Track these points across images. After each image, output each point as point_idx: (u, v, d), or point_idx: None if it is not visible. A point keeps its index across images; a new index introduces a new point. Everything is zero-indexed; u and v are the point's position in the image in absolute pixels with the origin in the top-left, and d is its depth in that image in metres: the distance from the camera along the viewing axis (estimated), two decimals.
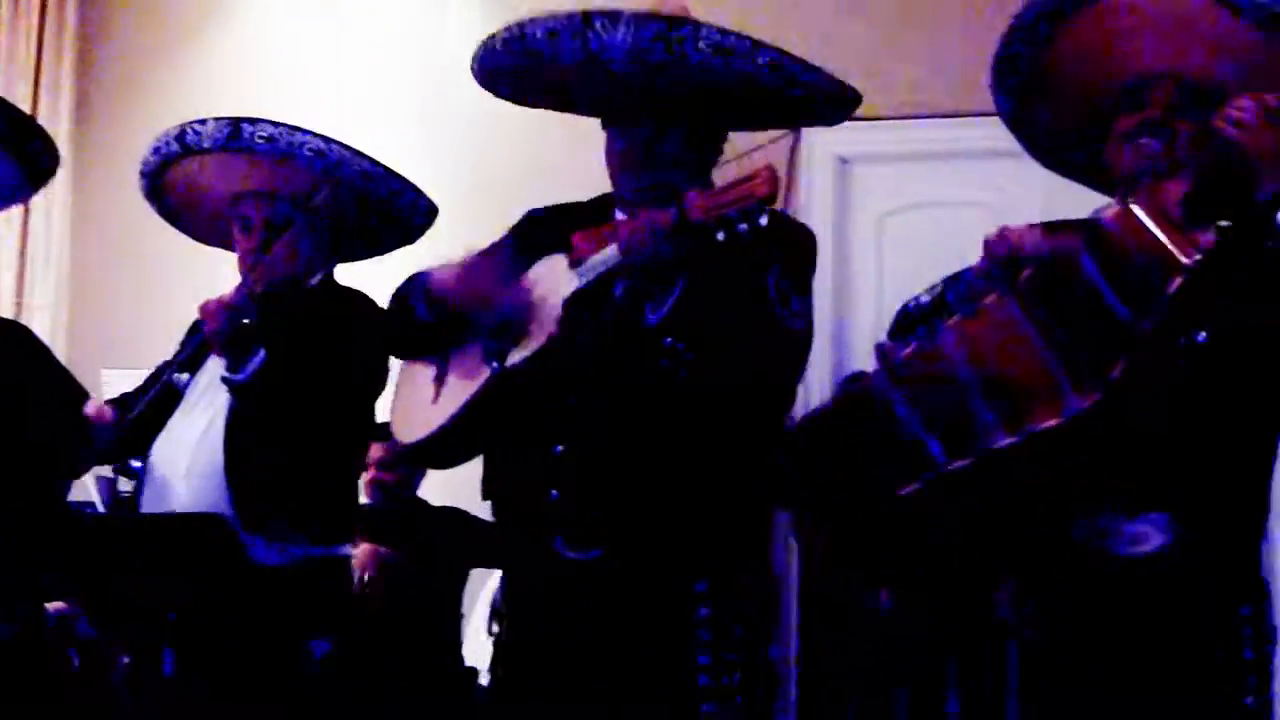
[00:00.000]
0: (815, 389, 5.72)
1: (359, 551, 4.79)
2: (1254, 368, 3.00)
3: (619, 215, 3.34)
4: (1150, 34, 3.11)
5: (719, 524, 3.26)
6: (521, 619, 3.34)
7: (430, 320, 3.34)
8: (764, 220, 2.92)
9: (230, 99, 5.99)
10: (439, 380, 3.35)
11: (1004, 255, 2.93)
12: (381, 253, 4.24)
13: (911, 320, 3.20)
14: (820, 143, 5.85)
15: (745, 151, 5.60)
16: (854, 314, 5.89)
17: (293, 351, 3.75)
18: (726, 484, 3.26)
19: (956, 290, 3.11)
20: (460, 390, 3.28)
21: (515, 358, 3.18)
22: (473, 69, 3.50)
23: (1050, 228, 3.12)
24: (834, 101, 3.50)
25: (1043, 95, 3.31)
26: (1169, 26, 3.09)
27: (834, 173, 5.87)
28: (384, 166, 3.97)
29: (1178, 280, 2.69)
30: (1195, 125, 3.02)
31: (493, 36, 3.39)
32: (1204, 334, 2.92)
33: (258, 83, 6.53)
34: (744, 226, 2.92)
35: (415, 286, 3.37)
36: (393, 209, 4.06)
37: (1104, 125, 3.17)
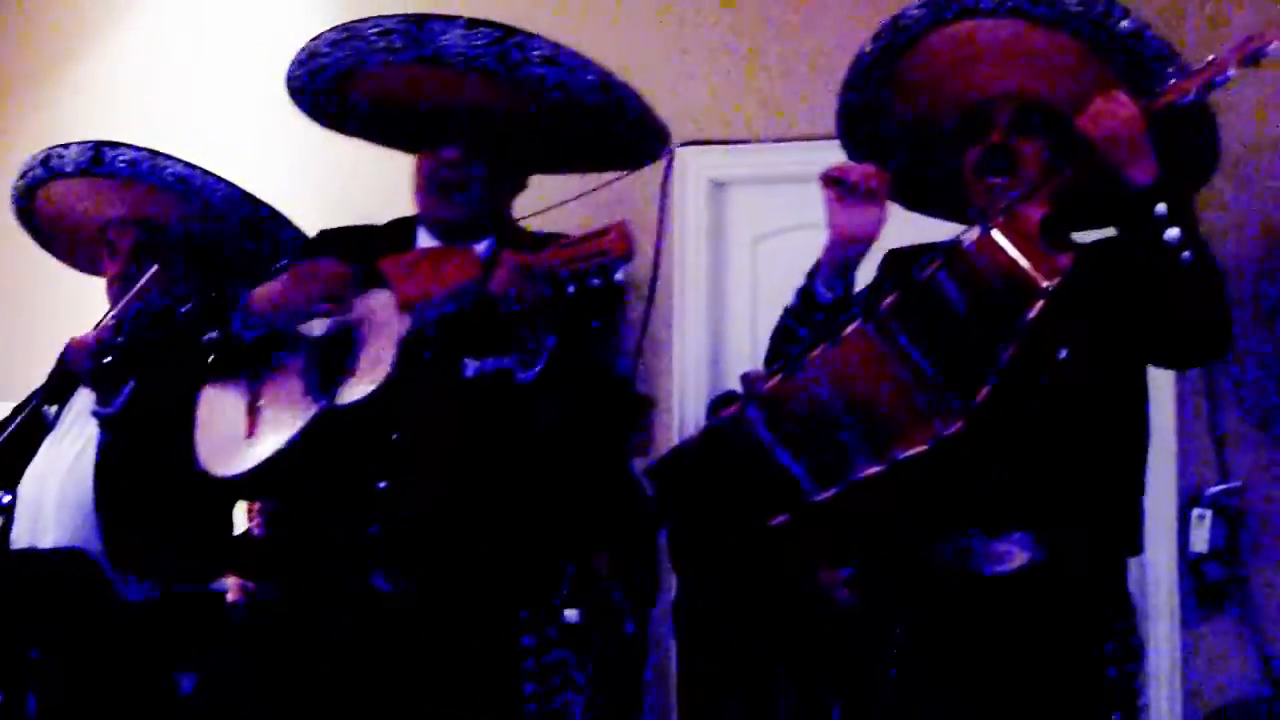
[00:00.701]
0: (690, 412, 5.72)
1: (233, 584, 4.70)
2: (1115, 384, 3.03)
3: (423, 240, 3.35)
4: (981, 63, 3.16)
5: (541, 554, 3.30)
6: (336, 655, 3.26)
7: (247, 341, 3.30)
8: (618, 276, 2.93)
9: (112, 119, 5.93)
10: (252, 410, 3.29)
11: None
12: (254, 279, 4.18)
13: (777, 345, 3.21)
14: (694, 166, 5.85)
15: (618, 176, 5.63)
16: (728, 337, 5.88)
17: (162, 382, 3.68)
18: (550, 516, 3.32)
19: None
20: (281, 423, 3.23)
21: (346, 395, 3.14)
22: (291, 73, 3.47)
23: (916, 251, 3.14)
24: (648, 136, 3.49)
25: (886, 140, 3.35)
26: (998, 53, 3.14)
27: (708, 196, 5.87)
28: (248, 193, 3.92)
29: (1038, 305, 2.71)
30: (1038, 144, 3.08)
31: (319, 36, 3.37)
32: (1064, 351, 2.94)
33: (139, 102, 6.44)
34: (597, 281, 2.92)
35: (235, 306, 3.33)
36: (261, 234, 4.00)
37: (954, 159, 3.20)
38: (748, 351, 5.59)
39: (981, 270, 2.77)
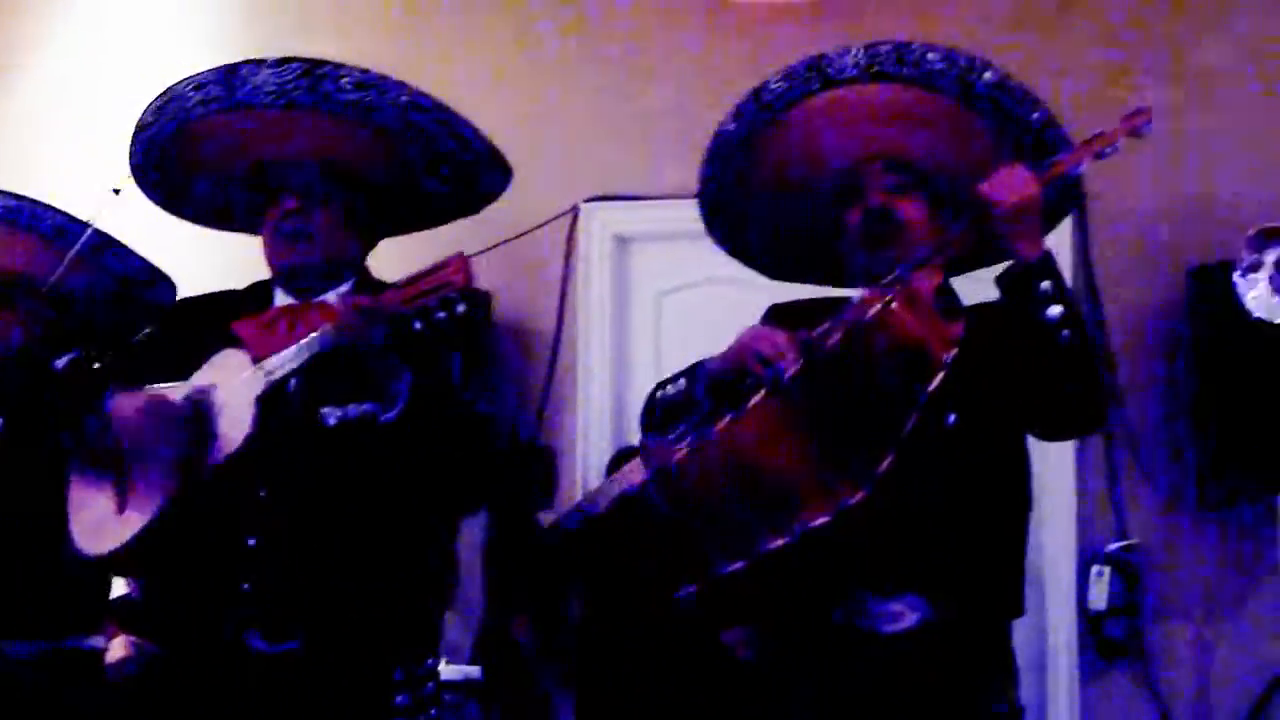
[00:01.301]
0: (594, 463, 5.71)
1: (114, 643, 4.64)
2: (997, 448, 3.06)
3: (280, 299, 3.35)
4: (850, 128, 3.21)
5: (413, 611, 3.30)
6: (214, 714, 3.23)
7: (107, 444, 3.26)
8: (461, 308, 2.92)
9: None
10: (121, 488, 3.26)
11: (768, 355, 2.93)
12: (118, 339, 4.14)
13: (663, 413, 3.20)
14: (599, 221, 5.85)
15: (527, 230, 5.64)
16: (632, 391, 5.86)
17: (34, 436, 3.64)
18: (420, 571, 3.31)
19: (703, 385, 3.11)
20: (148, 498, 3.20)
21: (209, 460, 3.13)
22: (130, 159, 3.47)
23: (799, 307, 3.17)
24: (482, 160, 3.48)
25: (753, 219, 3.37)
26: (866, 116, 3.19)
27: (612, 251, 5.86)
28: (125, 247, 3.89)
29: (939, 376, 2.73)
30: (917, 202, 3.14)
31: (146, 109, 3.37)
32: (953, 416, 2.97)
33: (42, 141, 6.37)
34: (443, 315, 2.92)
35: (93, 405, 3.29)
36: (141, 290, 3.98)
37: (826, 225, 3.23)
38: None
39: (883, 342, 2.78)
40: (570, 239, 5.86)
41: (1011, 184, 2.91)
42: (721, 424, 2.79)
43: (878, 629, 3.04)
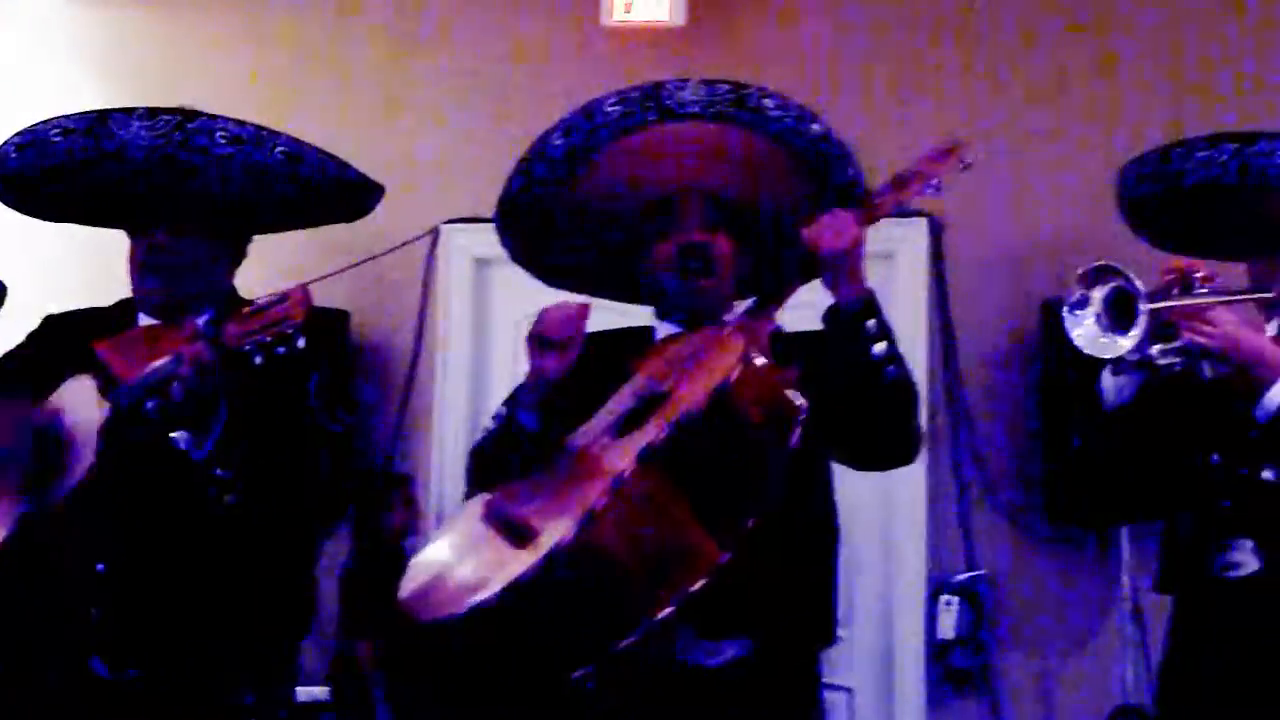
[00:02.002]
0: (449, 490, 5.67)
1: None
2: (810, 480, 3.10)
3: (143, 319, 3.32)
4: (677, 160, 3.21)
5: (266, 637, 3.27)
6: None
7: None
8: (301, 343, 2.92)
9: None
10: None
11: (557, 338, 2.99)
12: None
13: (491, 454, 3.19)
14: (459, 244, 5.84)
15: (388, 250, 5.60)
16: (490, 415, 5.83)
17: None
18: (275, 596, 3.28)
19: (527, 408, 3.12)
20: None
21: (55, 488, 3.08)
22: None
23: (610, 336, 3.19)
24: (355, 191, 3.49)
25: (556, 232, 3.39)
26: (694, 151, 3.20)
27: (472, 273, 5.85)
28: None
29: (799, 429, 2.75)
30: (734, 242, 3.17)
31: (8, 141, 3.32)
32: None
33: None
34: (282, 349, 2.92)
35: None
36: None
37: (637, 250, 3.25)
38: None
39: (744, 400, 2.78)
40: (430, 260, 5.85)
41: (836, 229, 2.96)
42: (597, 500, 2.74)
43: (701, 662, 3.05)
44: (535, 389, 3.10)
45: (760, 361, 2.79)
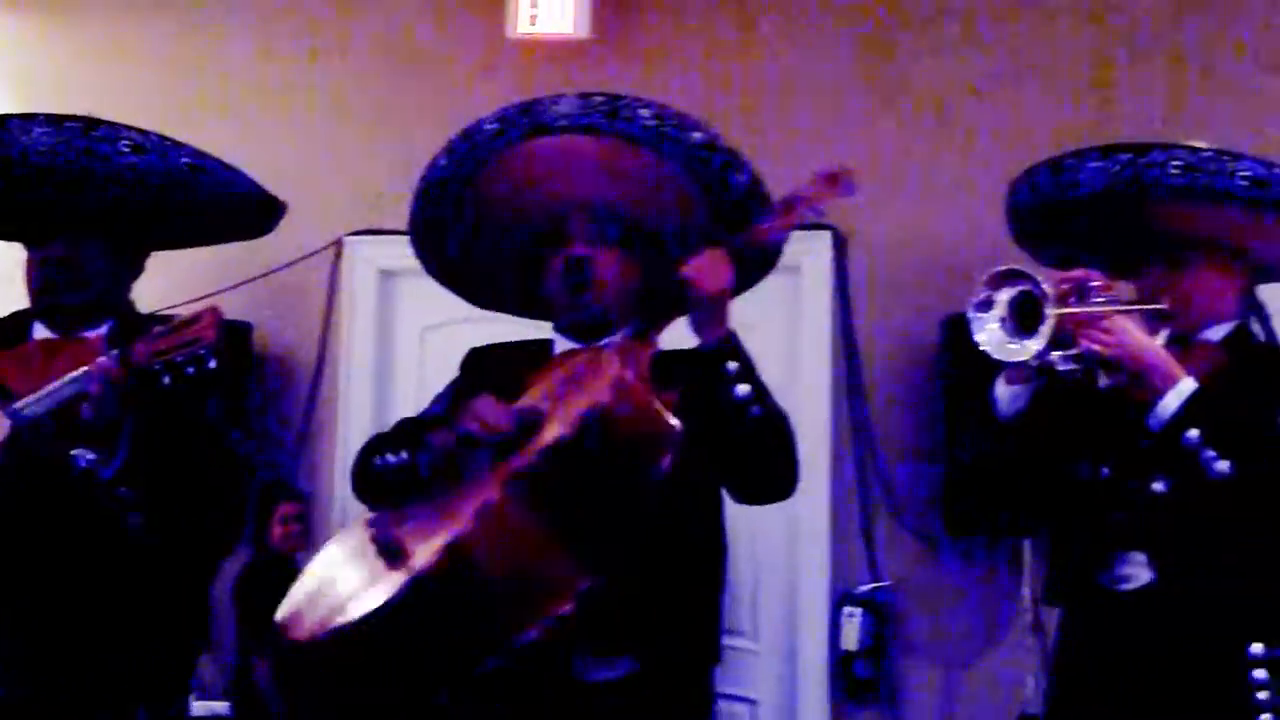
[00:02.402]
0: (353, 506, 5.63)
1: None
2: (695, 496, 3.11)
3: (38, 331, 3.29)
4: (560, 175, 3.24)
5: (160, 652, 3.25)
6: None
7: None
8: (212, 364, 2.92)
9: None
10: None
11: (488, 436, 2.94)
12: None
13: (380, 482, 3.18)
14: (363, 255, 5.81)
15: (291, 261, 5.57)
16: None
17: None
18: (170, 612, 3.26)
19: (427, 460, 3.11)
20: None
21: None
22: None
23: (495, 350, 3.19)
24: (258, 207, 3.49)
25: (462, 252, 3.42)
26: (574, 166, 3.23)
27: (376, 285, 5.83)
28: None
29: (670, 451, 2.76)
30: (621, 256, 3.19)
31: None
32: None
33: None
34: (191, 370, 2.91)
35: None
36: None
37: (529, 266, 3.27)
38: None
39: (619, 422, 2.79)
40: (334, 272, 5.82)
41: (712, 272, 2.99)
42: (464, 526, 2.74)
43: (588, 678, 3.05)
44: (444, 449, 3.09)
45: (633, 385, 2.80)
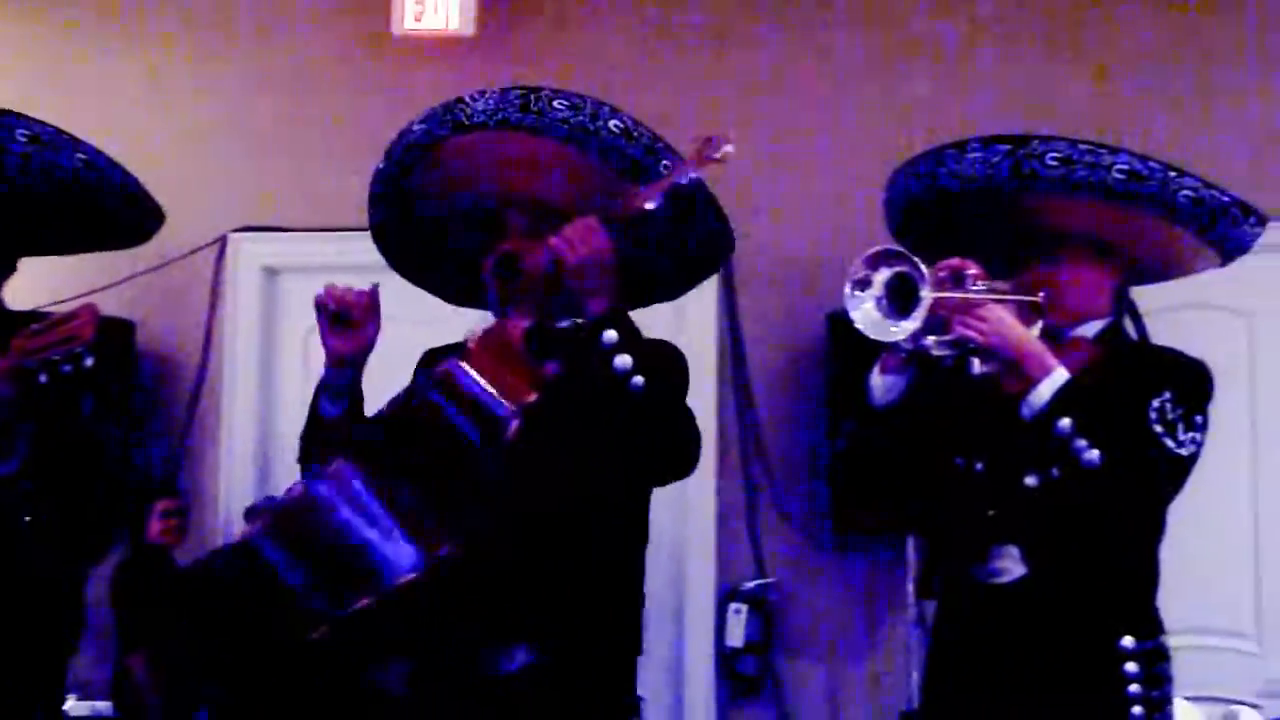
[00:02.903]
0: (236, 504, 5.60)
1: None
2: (607, 484, 3.11)
3: None
4: (490, 171, 3.24)
5: (32, 653, 3.24)
6: None
7: None
8: (89, 362, 2.89)
9: None
10: None
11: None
12: None
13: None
14: (246, 252, 5.76)
15: (174, 258, 5.52)
16: (279, 426, 5.79)
17: None
18: (42, 613, 3.25)
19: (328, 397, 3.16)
20: None
21: None
22: None
23: (450, 350, 3.20)
24: (140, 210, 3.46)
25: (420, 252, 3.44)
26: (500, 161, 3.22)
27: (260, 283, 5.78)
28: None
29: (515, 424, 2.77)
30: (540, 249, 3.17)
31: None
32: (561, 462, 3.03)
33: None
34: (68, 368, 2.89)
35: None
36: None
37: (474, 260, 3.28)
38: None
39: (465, 389, 2.79)
40: (218, 269, 5.77)
41: (580, 240, 2.98)
42: (323, 481, 2.75)
43: (489, 672, 3.05)
44: (333, 373, 3.12)
45: (478, 351, 2.82)
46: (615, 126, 3.17)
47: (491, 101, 3.16)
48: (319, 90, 5.78)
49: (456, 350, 3.14)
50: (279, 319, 5.86)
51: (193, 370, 5.75)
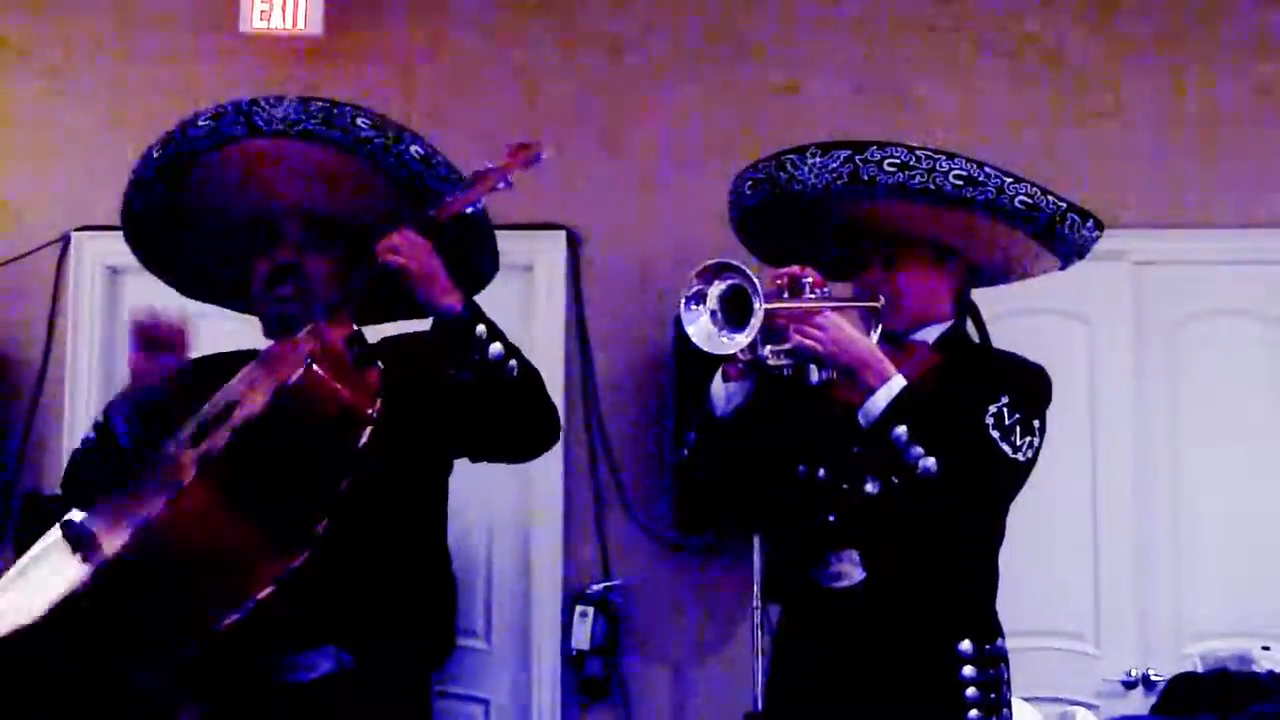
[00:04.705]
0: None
1: None
2: (427, 489, 3.13)
3: None
4: (272, 177, 3.24)
5: None
6: None
7: None
8: None
9: None
10: None
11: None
12: None
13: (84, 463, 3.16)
14: (90, 251, 5.68)
15: (15, 257, 5.44)
16: None
17: None
18: None
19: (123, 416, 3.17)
20: None
21: None
22: None
23: (217, 359, 3.18)
24: None
25: (177, 241, 3.43)
26: (287, 169, 3.23)
27: (104, 282, 5.70)
28: None
29: (366, 432, 2.76)
30: (328, 259, 3.18)
31: None
32: (380, 461, 3.03)
33: None
34: None
35: None
36: None
37: (242, 265, 3.27)
38: None
39: (308, 404, 2.78)
40: (60, 268, 5.68)
41: (406, 247, 3.00)
42: (159, 507, 2.71)
43: (294, 679, 3.04)
44: (130, 395, 3.13)
45: (320, 367, 2.80)
46: (416, 152, 3.18)
47: (292, 110, 3.14)
48: (165, 88, 5.70)
49: (235, 359, 3.13)
50: (122, 319, 5.77)
51: (34, 370, 5.66)
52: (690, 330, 3.17)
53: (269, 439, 2.75)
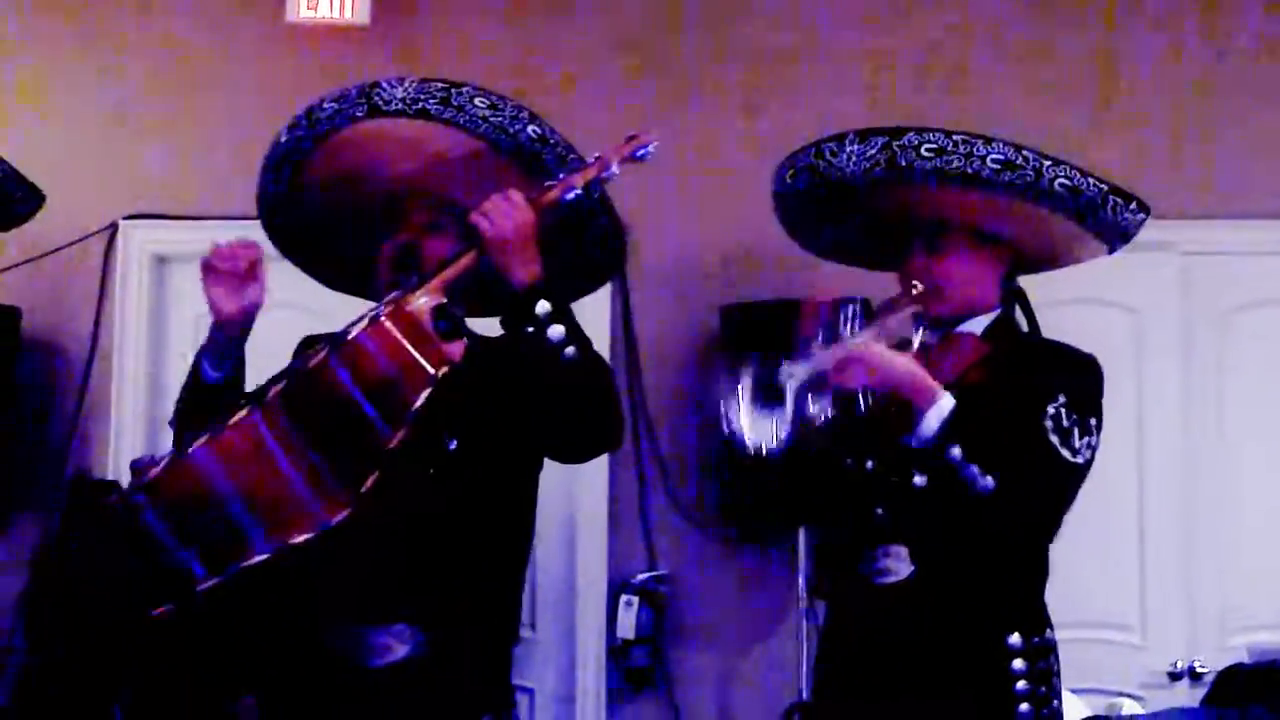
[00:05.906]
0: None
1: None
2: (500, 479, 3.11)
3: None
4: (395, 159, 3.25)
5: None
6: None
7: None
8: None
9: None
10: None
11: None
12: None
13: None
14: (137, 239, 5.70)
15: (63, 245, 5.46)
16: (168, 415, 5.66)
17: None
18: None
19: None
20: None
21: None
22: None
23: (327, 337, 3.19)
24: (18, 197, 3.46)
25: (306, 226, 3.42)
26: (409, 151, 3.23)
27: (151, 270, 5.72)
28: None
29: (425, 392, 2.76)
30: (447, 243, 3.18)
31: None
32: (454, 442, 3.02)
33: None
34: None
35: None
36: None
37: (369, 248, 3.27)
38: None
39: (371, 358, 2.79)
40: (107, 256, 5.70)
41: (502, 210, 2.99)
42: (204, 438, 2.74)
43: (367, 663, 3.04)
44: (219, 335, 3.10)
45: (390, 323, 2.81)
46: (533, 132, 3.17)
47: (411, 89, 3.15)
48: (212, 78, 5.72)
49: (336, 338, 3.14)
50: (169, 307, 5.80)
51: (82, 360, 5.68)
52: (746, 440, 3.13)
53: (325, 385, 2.76)
